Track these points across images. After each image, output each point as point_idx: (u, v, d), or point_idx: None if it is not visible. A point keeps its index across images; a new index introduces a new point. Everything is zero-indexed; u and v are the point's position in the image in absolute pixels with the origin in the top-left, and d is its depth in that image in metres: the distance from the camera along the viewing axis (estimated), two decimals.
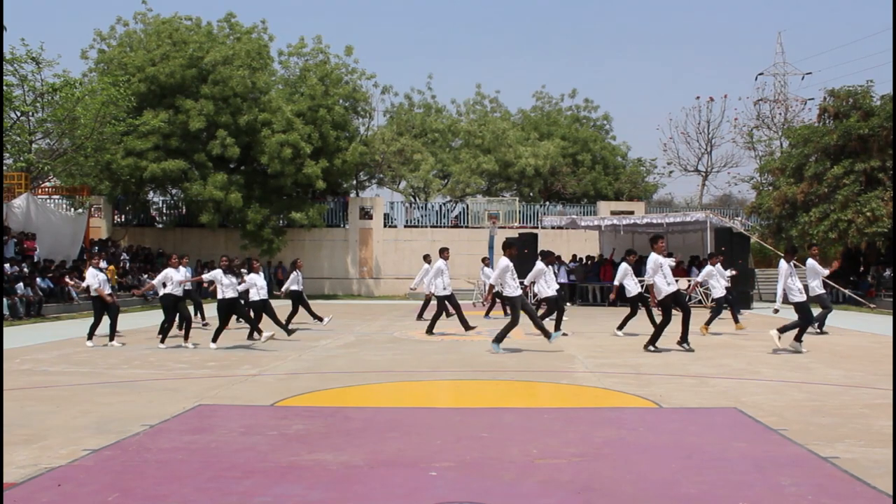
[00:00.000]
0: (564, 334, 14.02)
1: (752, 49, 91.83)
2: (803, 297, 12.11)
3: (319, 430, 6.34)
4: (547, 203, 38.55)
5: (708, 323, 14.89)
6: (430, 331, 14.87)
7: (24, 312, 19.50)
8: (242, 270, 14.80)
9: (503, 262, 12.01)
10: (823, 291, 13.97)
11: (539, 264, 14.54)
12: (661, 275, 11.81)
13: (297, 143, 31.00)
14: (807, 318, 11.99)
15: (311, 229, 33.95)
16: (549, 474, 5.01)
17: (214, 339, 12.73)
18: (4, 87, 24.27)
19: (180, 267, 13.78)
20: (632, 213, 33.67)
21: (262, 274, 15.40)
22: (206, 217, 31.28)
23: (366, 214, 35.76)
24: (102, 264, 14.10)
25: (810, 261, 13.59)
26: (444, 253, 15.68)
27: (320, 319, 16.88)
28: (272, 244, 32.38)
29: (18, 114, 25.72)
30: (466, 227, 35.59)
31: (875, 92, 26.88)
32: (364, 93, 36.55)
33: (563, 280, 25.48)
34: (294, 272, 17.34)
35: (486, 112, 42.63)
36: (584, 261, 28.97)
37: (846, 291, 25.67)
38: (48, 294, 21.50)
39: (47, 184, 31.16)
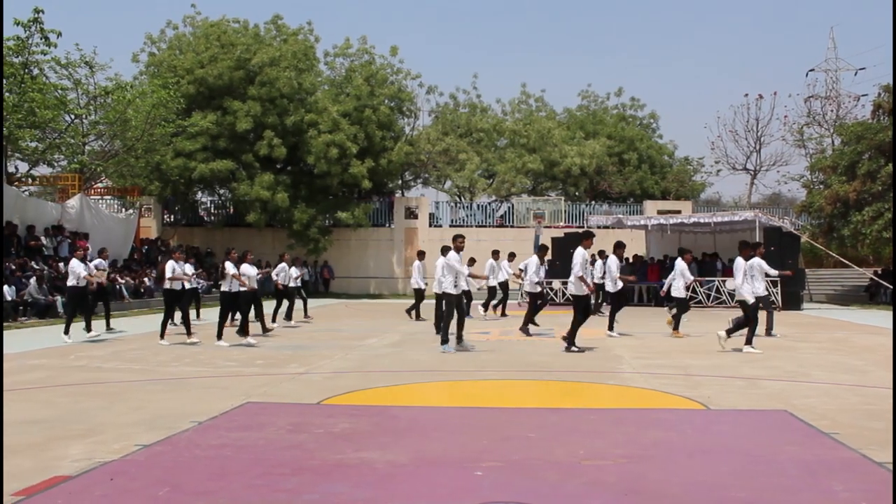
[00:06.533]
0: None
1: (803, 45, 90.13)
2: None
3: (365, 429, 6.38)
4: (593, 202, 38.26)
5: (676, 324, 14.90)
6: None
7: None
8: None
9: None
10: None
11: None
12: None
13: (343, 144, 31.26)
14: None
15: (356, 229, 34.19)
16: (595, 476, 4.98)
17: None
18: (59, 91, 24.92)
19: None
20: (679, 212, 33.24)
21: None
22: (253, 217, 31.71)
23: (411, 214, 35.89)
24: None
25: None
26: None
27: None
28: (318, 243, 32.68)
29: (73, 117, 26.36)
30: (512, 226, 35.53)
31: None
32: (409, 93, 36.70)
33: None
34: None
35: (531, 111, 42.47)
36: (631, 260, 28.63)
37: None
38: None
39: (99, 184, 31.88)
